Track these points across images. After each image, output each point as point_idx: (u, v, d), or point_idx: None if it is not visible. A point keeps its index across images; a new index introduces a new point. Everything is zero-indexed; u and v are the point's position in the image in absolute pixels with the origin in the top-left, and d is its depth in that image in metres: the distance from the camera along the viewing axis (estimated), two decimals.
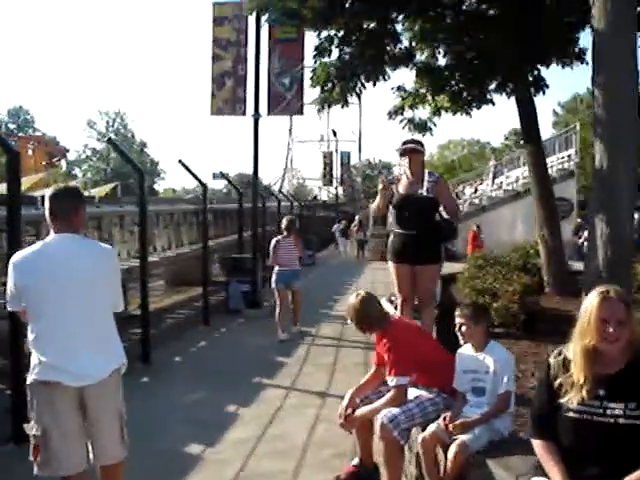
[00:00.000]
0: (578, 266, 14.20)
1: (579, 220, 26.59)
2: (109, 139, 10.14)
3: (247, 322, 11.06)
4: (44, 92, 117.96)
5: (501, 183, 27.61)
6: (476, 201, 26.79)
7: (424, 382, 4.01)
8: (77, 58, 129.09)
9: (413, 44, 11.68)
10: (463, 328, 3.83)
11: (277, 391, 6.71)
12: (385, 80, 11.72)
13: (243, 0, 11.33)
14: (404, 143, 5.47)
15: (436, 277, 5.79)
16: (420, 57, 12.06)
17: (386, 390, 4.01)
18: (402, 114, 12.77)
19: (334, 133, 41.12)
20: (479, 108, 11.24)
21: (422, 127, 12.75)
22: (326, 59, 10.95)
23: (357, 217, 29.02)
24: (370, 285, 16.09)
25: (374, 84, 11.43)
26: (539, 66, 10.86)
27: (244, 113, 11.34)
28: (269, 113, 11.45)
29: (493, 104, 11.13)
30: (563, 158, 25.77)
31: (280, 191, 28.45)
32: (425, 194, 5.21)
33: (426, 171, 5.37)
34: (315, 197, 43.14)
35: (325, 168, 50.21)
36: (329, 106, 11.06)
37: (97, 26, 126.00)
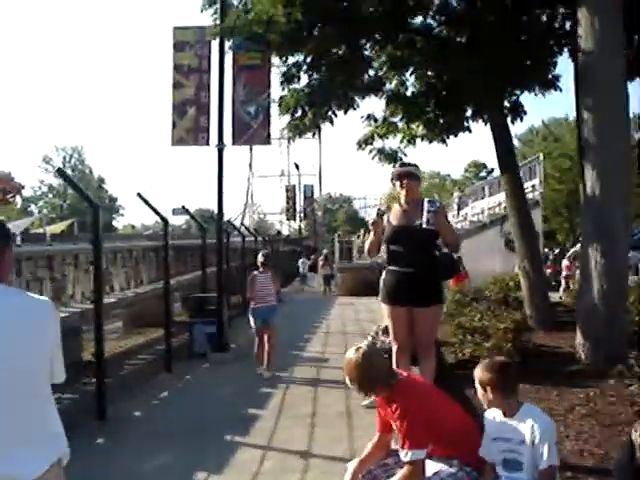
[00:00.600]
0: (553, 297, 13.73)
1: (546, 250, 26.47)
2: (59, 169, 9.24)
3: (213, 367, 10.17)
4: None
5: (466, 214, 27.38)
6: None
7: (444, 453, 3.25)
8: (31, 90, 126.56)
9: (384, 70, 11.24)
10: (488, 393, 3.12)
11: (252, 452, 5.87)
12: (354, 109, 11.24)
13: (206, 25, 10.72)
14: (400, 166, 4.80)
15: (438, 320, 5.01)
16: (390, 85, 11.66)
17: (394, 463, 3.27)
18: (372, 144, 12.32)
19: (297, 166, 40.64)
20: (456, 135, 10.78)
21: (392, 157, 12.31)
22: (294, 86, 10.40)
23: (324, 252, 28.41)
24: (340, 322, 15.34)
25: (345, 112, 10.90)
26: (517, 92, 10.48)
27: (207, 143, 10.61)
28: (234, 143, 10.75)
29: (470, 131, 10.67)
30: (527, 188, 25.66)
31: (242, 225, 27.72)
32: (425, 226, 4.49)
33: (425, 200, 4.64)
34: (279, 232, 42.43)
35: (288, 202, 49.64)
36: (300, 134, 10.45)
37: (50, 56, 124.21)
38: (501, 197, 26.25)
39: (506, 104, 10.73)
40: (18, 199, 63.12)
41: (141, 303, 15.09)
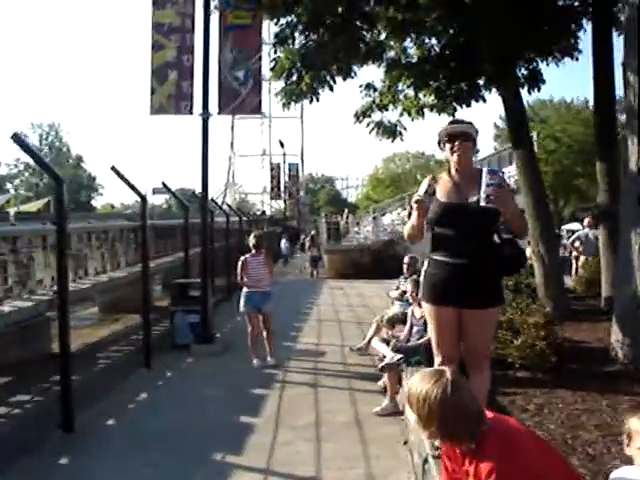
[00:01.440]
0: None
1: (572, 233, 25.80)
2: (14, 135, 8.08)
3: (197, 361, 9.09)
4: None
5: None
6: None
7: None
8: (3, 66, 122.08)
9: (386, 34, 10.14)
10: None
11: (248, 476, 4.83)
12: (352, 77, 10.17)
13: None
14: (451, 123, 3.68)
15: (494, 325, 3.90)
16: (391, 52, 10.59)
17: None
18: (370, 116, 11.28)
19: (281, 144, 39.26)
20: (469, 105, 9.68)
21: (391, 131, 11.30)
22: (289, 48, 9.27)
23: (311, 232, 27.33)
24: (332, 308, 14.31)
25: (344, 78, 9.79)
26: (536, 59, 9.42)
27: (191, 111, 9.41)
28: (220, 112, 9.55)
29: (484, 101, 9.59)
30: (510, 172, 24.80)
31: (225, 204, 26.59)
32: (484, 204, 3.39)
33: (484, 169, 3.52)
34: (264, 212, 41.12)
35: (272, 181, 48.32)
36: (296, 100, 9.32)
37: (20, 26, 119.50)
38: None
39: (521, 72, 9.67)
40: None
41: (118, 288, 13.92)
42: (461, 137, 3.59)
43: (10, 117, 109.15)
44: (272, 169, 48.54)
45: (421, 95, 9.97)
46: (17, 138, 6.74)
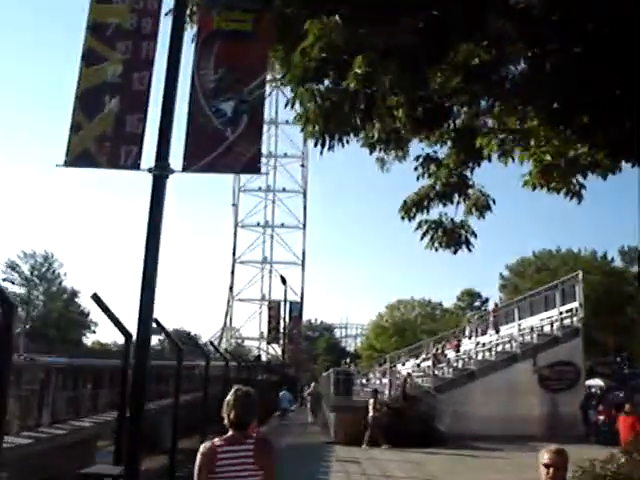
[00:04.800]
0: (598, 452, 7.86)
1: (589, 389, 20.89)
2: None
3: None
4: None
5: (491, 343, 21.92)
6: (461, 365, 20.87)
7: None
8: None
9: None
10: None
11: None
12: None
13: None
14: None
15: None
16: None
17: None
18: (426, 210, 7.28)
19: (283, 281, 35.09)
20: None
21: (454, 237, 7.26)
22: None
23: (312, 384, 22.47)
24: None
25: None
26: None
27: (136, 165, 5.23)
28: (188, 166, 5.33)
29: None
30: (564, 313, 20.45)
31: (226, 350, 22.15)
32: None
33: None
34: (259, 357, 36.06)
35: (270, 321, 43.50)
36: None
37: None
38: (534, 321, 21.02)
39: None
40: None
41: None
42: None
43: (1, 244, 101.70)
44: (270, 308, 43.95)
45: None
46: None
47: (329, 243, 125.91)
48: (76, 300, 70.38)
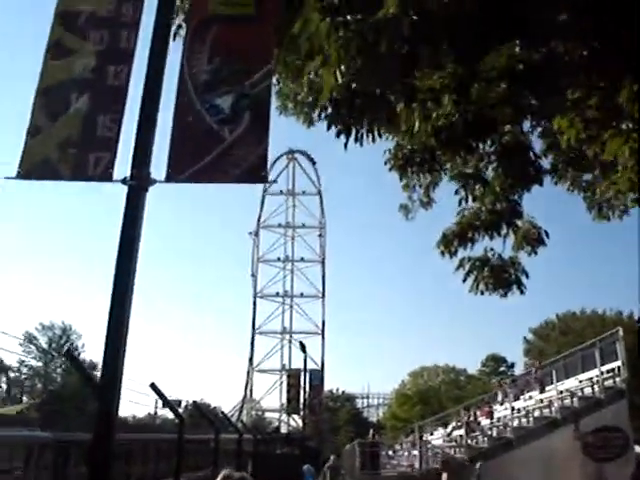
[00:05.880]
0: None
1: None
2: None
3: None
4: None
5: (526, 408, 20.02)
6: (496, 433, 18.98)
7: None
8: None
9: None
10: None
11: None
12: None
13: None
14: None
15: None
16: None
17: None
18: (470, 243, 5.96)
19: (302, 348, 33.35)
20: None
21: (503, 277, 5.96)
22: None
23: (331, 457, 20.54)
24: None
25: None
26: None
27: (108, 175, 4.03)
28: (172, 177, 4.10)
29: None
30: (606, 373, 18.57)
31: (242, 422, 20.57)
32: None
33: None
34: (277, 429, 33.80)
35: (289, 391, 41.39)
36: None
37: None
38: (573, 383, 19.13)
39: None
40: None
41: None
42: None
43: (19, 315, 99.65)
44: (290, 376, 41.89)
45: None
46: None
47: (348, 311, 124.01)
48: (95, 373, 68.75)
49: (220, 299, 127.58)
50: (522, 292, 6.41)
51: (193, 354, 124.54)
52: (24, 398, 59.72)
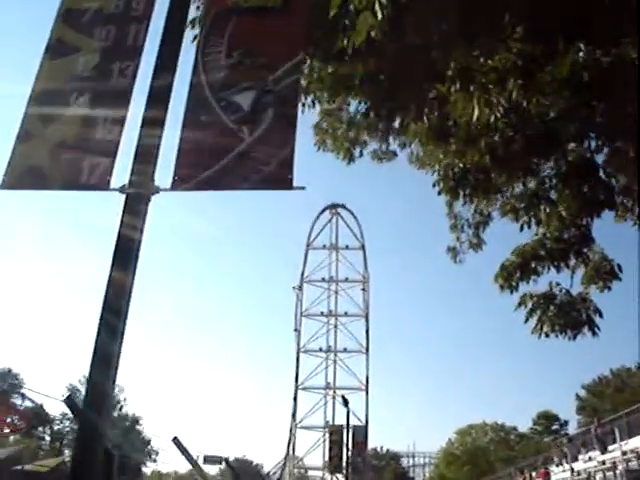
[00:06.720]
0: None
1: None
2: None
3: None
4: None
5: (587, 470, 18.35)
6: None
7: None
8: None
9: None
10: None
11: None
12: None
13: None
14: None
15: None
16: None
17: None
18: (534, 273, 5.15)
19: (345, 402, 32.00)
20: None
21: (573, 314, 5.10)
22: None
23: None
24: None
25: None
26: None
27: (104, 182, 3.37)
28: (179, 183, 3.41)
29: None
30: None
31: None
32: None
33: None
34: None
35: (332, 449, 39.52)
36: None
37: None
38: (636, 443, 17.39)
39: None
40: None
41: None
42: None
43: (62, 371, 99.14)
44: (332, 433, 40.11)
45: None
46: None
47: (392, 367, 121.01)
48: (137, 427, 68.15)
49: (264, 355, 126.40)
50: (594, 334, 5.46)
51: (239, 410, 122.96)
52: (66, 451, 59.08)
